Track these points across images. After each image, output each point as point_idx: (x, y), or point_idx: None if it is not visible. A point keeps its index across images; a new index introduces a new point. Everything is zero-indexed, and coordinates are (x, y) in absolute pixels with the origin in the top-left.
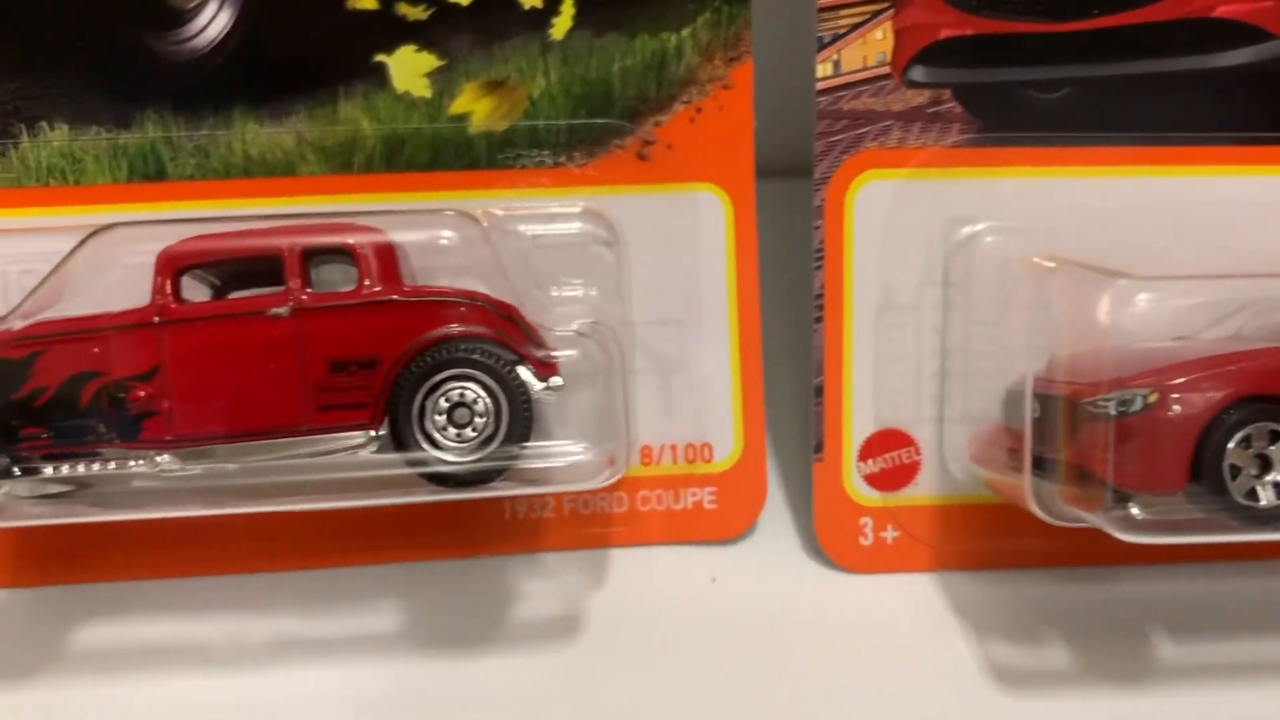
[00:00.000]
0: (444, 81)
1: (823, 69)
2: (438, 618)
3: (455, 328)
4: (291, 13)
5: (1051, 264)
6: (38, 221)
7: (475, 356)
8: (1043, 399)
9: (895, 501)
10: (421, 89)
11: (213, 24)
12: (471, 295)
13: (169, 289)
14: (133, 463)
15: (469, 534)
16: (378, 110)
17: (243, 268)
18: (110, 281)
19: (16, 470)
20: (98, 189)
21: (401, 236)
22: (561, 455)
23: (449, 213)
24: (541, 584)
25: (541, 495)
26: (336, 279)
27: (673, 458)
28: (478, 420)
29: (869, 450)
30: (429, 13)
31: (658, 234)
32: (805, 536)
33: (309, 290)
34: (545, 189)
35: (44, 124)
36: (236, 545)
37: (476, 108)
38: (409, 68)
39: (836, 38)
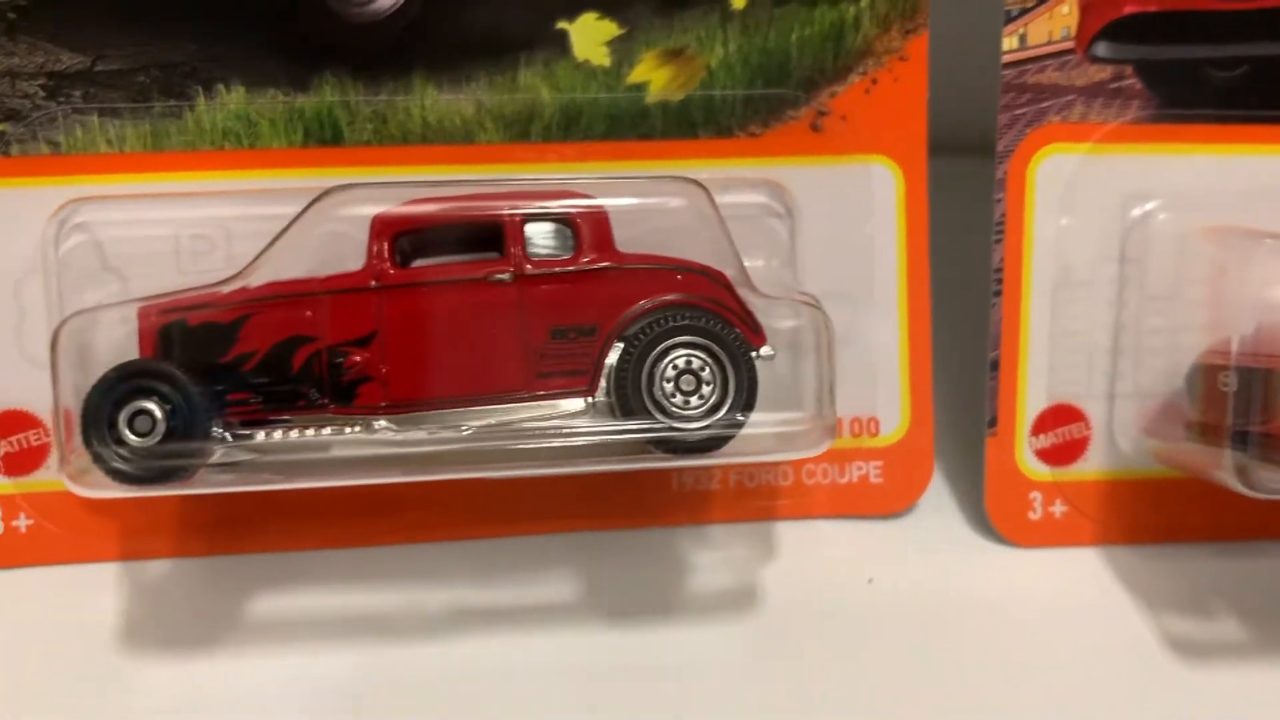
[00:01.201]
0: (623, 50)
1: (1008, 42)
2: (610, 588)
3: (673, 295)
4: None
5: (1245, 236)
6: (211, 186)
7: (703, 324)
8: (1243, 372)
9: (1064, 476)
10: (601, 57)
11: None
12: (687, 263)
13: (386, 254)
14: (348, 428)
15: (637, 505)
16: (557, 78)
17: (438, 235)
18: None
19: (227, 435)
20: (273, 153)
21: (623, 202)
22: (784, 423)
23: (671, 179)
24: (710, 555)
25: (708, 468)
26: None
27: (839, 431)
28: (704, 388)
29: (1041, 425)
30: None
31: (830, 206)
32: (971, 511)
33: (530, 257)
34: (720, 159)
35: (220, 86)
36: (404, 515)
37: (655, 77)
38: (590, 35)
39: (1024, 11)
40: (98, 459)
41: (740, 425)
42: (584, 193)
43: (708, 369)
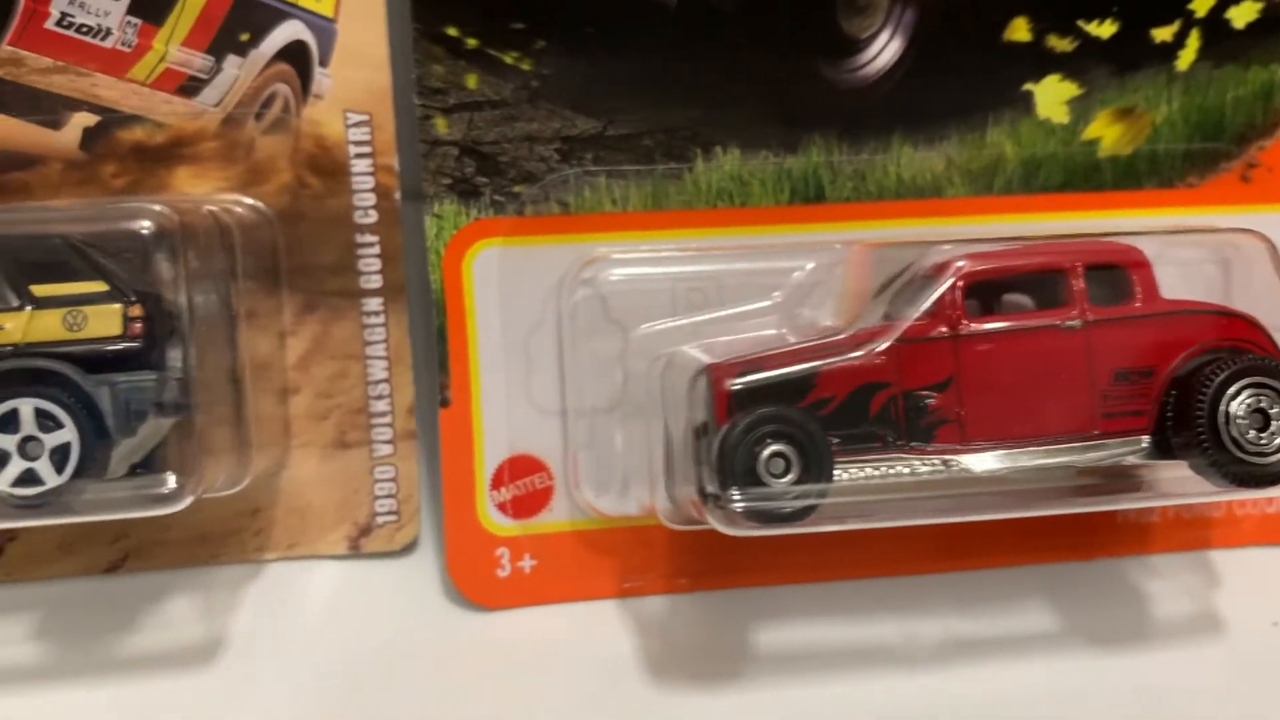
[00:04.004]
0: (1080, 109)
1: None
2: (1077, 615)
3: (1222, 338)
4: (953, 44)
5: None
6: (706, 242)
7: (1264, 365)
8: None
9: None
10: (1060, 115)
11: (883, 53)
12: (1225, 308)
13: (959, 303)
14: (924, 467)
15: (1085, 537)
16: (1020, 135)
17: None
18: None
19: (844, 475)
20: (761, 210)
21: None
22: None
23: (1234, 230)
24: (1160, 585)
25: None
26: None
27: None
28: (1273, 424)
29: None
30: (1074, 45)
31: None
32: None
33: (1090, 304)
34: (1161, 209)
35: (718, 149)
36: (872, 549)
37: (1107, 133)
38: (1052, 96)
39: None
40: (735, 500)
41: None
42: (1128, 245)
43: (1277, 406)
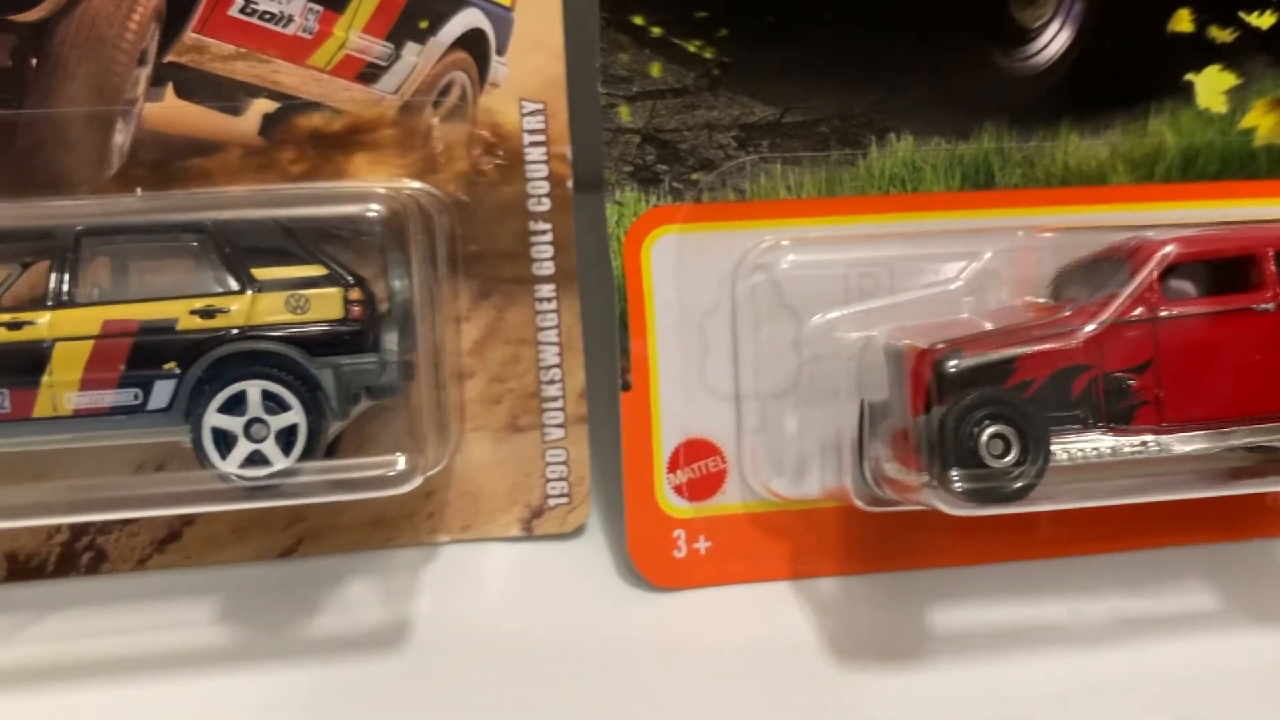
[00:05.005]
0: (1238, 99)
1: None
2: (1241, 595)
3: None
4: (1121, 34)
5: None
6: (877, 228)
7: None
8: None
9: None
10: (1219, 105)
11: (1053, 42)
12: None
13: (1158, 287)
14: (1126, 448)
15: (1239, 519)
16: (1180, 125)
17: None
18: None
19: (1063, 455)
20: (933, 196)
21: None
22: None
23: None
24: None
25: None
26: None
27: None
28: None
29: None
30: (1235, 35)
31: None
32: None
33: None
34: None
35: (892, 135)
36: (1039, 531)
37: (1263, 122)
38: (1212, 85)
39: None
40: (958, 479)
41: None
42: None
43: None
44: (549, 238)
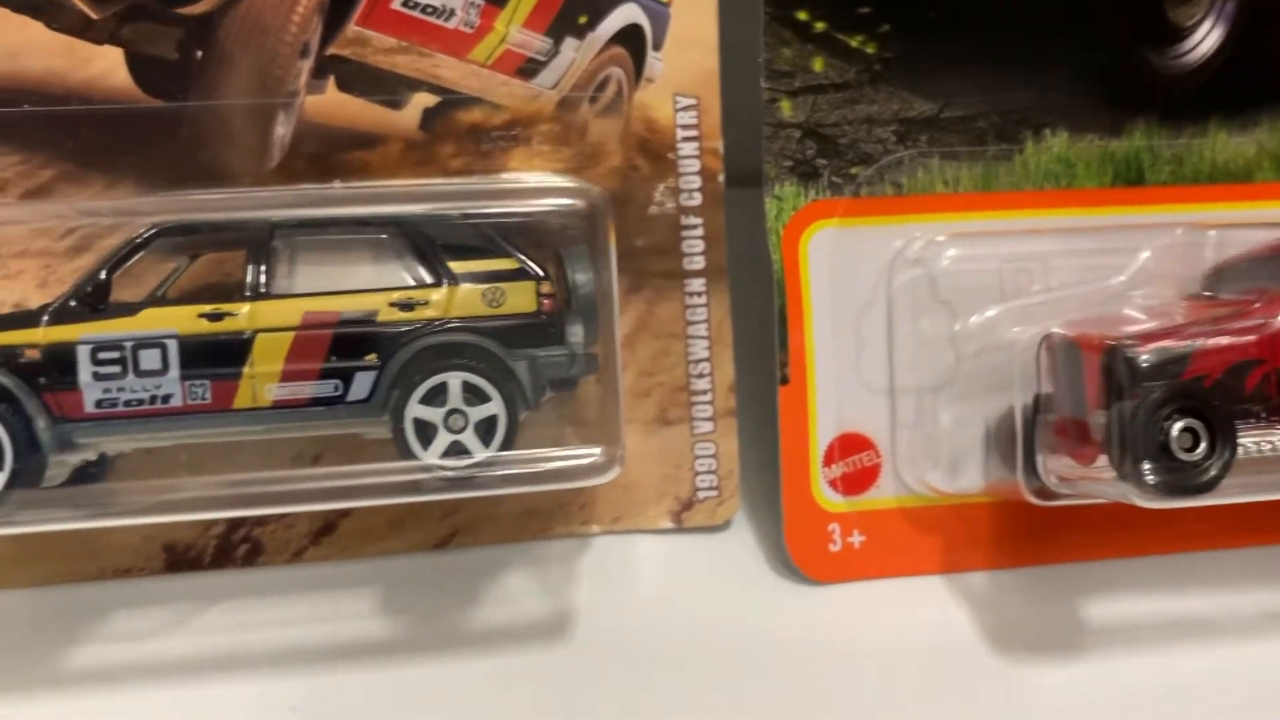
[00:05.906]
0: None
1: None
2: None
3: None
4: (1269, 34)
5: None
6: (1032, 223)
7: None
8: None
9: None
10: None
11: (1205, 41)
12: None
13: None
14: None
15: None
16: None
17: None
18: None
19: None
20: (1084, 192)
21: None
22: None
23: None
24: None
25: None
26: None
27: None
28: None
29: None
30: None
31: None
32: None
33: None
34: None
35: (1047, 131)
36: (1183, 526)
37: None
38: None
39: None
40: (1150, 472)
41: None
42: None
43: None
44: (700, 232)
